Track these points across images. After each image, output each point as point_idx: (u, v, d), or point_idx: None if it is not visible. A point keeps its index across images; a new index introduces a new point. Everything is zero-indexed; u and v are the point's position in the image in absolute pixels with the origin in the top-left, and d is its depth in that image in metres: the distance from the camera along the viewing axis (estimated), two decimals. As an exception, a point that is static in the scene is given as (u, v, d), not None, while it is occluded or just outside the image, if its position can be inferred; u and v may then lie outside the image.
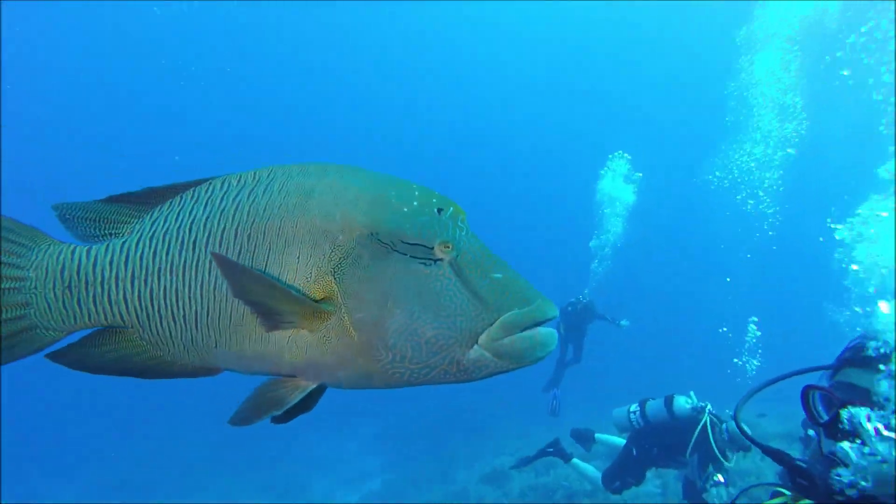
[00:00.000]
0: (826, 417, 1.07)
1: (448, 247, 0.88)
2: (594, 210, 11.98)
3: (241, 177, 0.97)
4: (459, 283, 0.87)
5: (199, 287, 0.92)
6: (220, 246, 0.92)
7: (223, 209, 0.93)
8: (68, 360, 0.97)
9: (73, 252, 0.96)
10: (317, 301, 0.88)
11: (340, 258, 0.88)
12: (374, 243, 0.88)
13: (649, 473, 4.83)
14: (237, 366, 0.99)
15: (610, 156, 11.94)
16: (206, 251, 0.92)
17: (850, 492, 1.01)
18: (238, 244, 0.92)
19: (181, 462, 13.14)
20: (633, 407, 4.53)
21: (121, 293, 0.95)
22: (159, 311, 0.95)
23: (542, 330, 0.89)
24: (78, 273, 0.94)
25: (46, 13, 22.15)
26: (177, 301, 0.94)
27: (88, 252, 0.97)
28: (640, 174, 11.91)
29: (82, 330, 0.99)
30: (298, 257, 0.90)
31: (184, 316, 0.94)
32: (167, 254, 0.94)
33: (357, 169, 0.97)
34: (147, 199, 0.99)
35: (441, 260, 0.88)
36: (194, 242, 0.93)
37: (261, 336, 0.91)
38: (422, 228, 0.89)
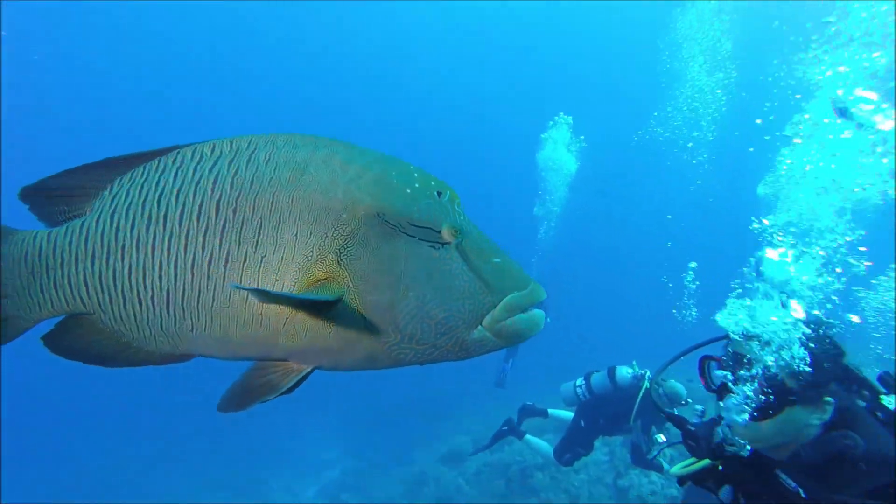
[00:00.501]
0: (716, 385, 1.18)
1: (455, 231, 0.89)
2: (537, 177, 11.87)
3: (214, 145, 0.90)
4: (466, 267, 0.88)
5: (171, 265, 0.86)
6: (199, 221, 0.85)
7: (198, 181, 0.86)
8: (48, 344, 0.92)
9: (34, 238, 0.91)
10: (319, 281, 0.85)
11: (346, 238, 0.85)
12: (381, 224, 0.86)
13: (597, 443, 5.07)
14: (218, 351, 0.92)
15: (550, 122, 11.75)
16: (180, 226, 0.85)
17: (730, 449, 1.14)
18: (221, 219, 0.85)
19: (132, 460, 12.62)
20: (579, 381, 4.75)
21: (80, 275, 0.88)
22: (123, 292, 0.88)
23: (536, 311, 0.93)
24: (39, 258, 0.89)
25: (46, 13, 22.21)
26: (144, 281, 0.87)
27: (49, 236, 0.91)
28: (583, 137, 11.83)
29: (52, 317, 0.94)
30: (296, 234, 0.85)
31: (152, 297, 0.88)
32: (132, 230, 0.87)
33: (347, 144, 0.93)
34: (107, 171, 0.91)
35: (448, 244, 0.88)
36: (165, 216, 0.86)
37: (251, 319, 0.86)
38: (428, 211, 0.88)
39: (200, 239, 0.86)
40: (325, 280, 0.85)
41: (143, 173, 0.90)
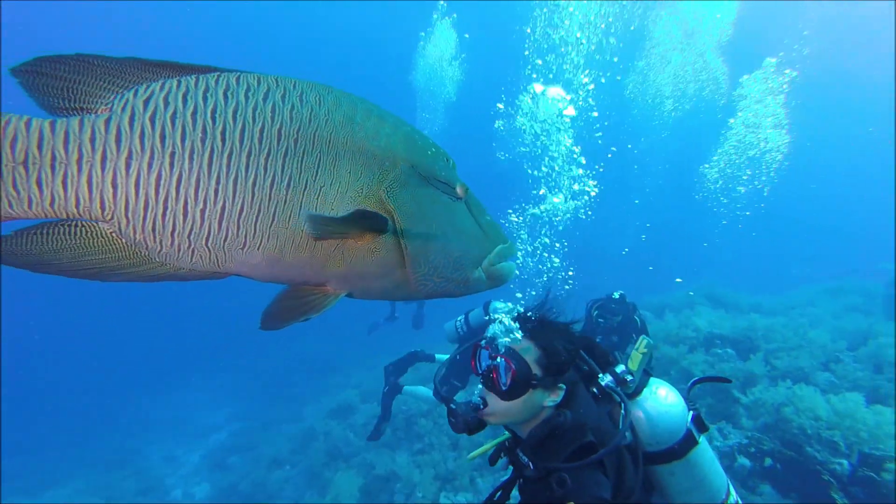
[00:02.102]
0: (482, 370, 1.25)
1: (465, 189, 1.07)
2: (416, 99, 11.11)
3: (259, 78, 0.90)
4: (472, 219, 1.07)
5: (230, 181, 0.85)
6: (261, 143, 0.87)
7: (254, 107, 0.86)
8: (3, 253, 0.78)
9: (27, 124, 0.79)
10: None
11: (391, 180, 0.96)
12: (415, 175, 0.99)
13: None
14: (263, 271, 0.92)
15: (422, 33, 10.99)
16: (241, 145, 0.85)
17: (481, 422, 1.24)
18: (282, 146, 0.88)
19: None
20: (460, 318, 4.95)
21: (109, 175, 0.81)
22: (166, 200, 0.83)
23: (511, 262, 1.15)
24: (40, 148, 0.78)
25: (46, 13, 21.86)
26: (196, 193, 0.84)
27: (53, 126, 0.79)
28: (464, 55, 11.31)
29: (23, 220, 0.80)
30: (350, 171, 0.93)
31: (202, 210, 0.85)
32: (182, 138, 0.82)
33: (365, 100, 1.00)
34: (126, 71, 0.82)
35: (460, 199, 1.07)
36: (223, 133, 0.85)
37: (306, 243, 0.90)
38: (446, 170, 1.05)
39: (262, 160, 0.87)
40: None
41: (181, 85, 0.85)
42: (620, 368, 1.33)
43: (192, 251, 0.87)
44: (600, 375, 1.32)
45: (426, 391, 5.60)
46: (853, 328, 6.24)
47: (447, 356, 5.74)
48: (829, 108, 31.58)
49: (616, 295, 4.75)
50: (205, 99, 0.85)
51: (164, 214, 0.84)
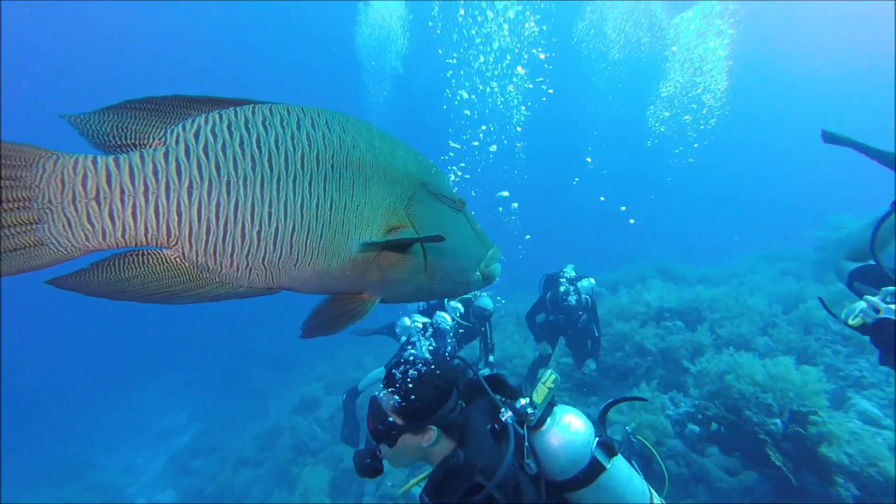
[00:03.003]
0: None
1: (463, 203, 1.22)
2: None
3: (289, 108, 0.96)
4: (470, 228, 1.21)
5: (281, 204, 0.92)
6: (304, 169, 0.94)
7: (292, 136, 0.94)
8: (80, 284, 0.84)
9: (93, 162, 0.84)
10: (393, 228, 1.05)
11: (409, 198, 1.08)
12: (427, 192, 1.12)
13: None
14: (312, 284, 1.00)
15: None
16: (286, 171, 0.92)
17: None
18: (322, 170, 0.96)
19: None
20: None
21: (174, 204, 0.86)
22: (225, 224, 0.89)
23: (499, 262, 1.29)
24: (108, 184, 0.84)
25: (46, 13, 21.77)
26: (251, 216, 0.91)
27: (117, 161, 0.85)
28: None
29: (96, 251, 0.86)
30: (378, 191, 1.03)
31: (258, 231, 0.92)
32: (234, 167, 0.89)
33: (373, 125, 1.09)
34: (170, 108, 0.88)
35: (461, 211, 1.21)
36: (269, 161, 0.91)
37: (351, 256, 0.99)
38: (447, 187, 1.19)
39: (306, 184, 0.94)
40: (398, 228, 1.05)
41: (223, 118, 0.90)
42: (521, 403, 1.36)
43: (250, 270, 0.95)
44: (501, 410, 1.34)
45: (378, 371, 5.63)
46: (787, 292, 6.69)
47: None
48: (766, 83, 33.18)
49: (569, 272, 4.94)
50: (248, 130, 0.92)
51: (224, 237, 0.91)
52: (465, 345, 4.88)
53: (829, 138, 2.32)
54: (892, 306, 1.70)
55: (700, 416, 3.99)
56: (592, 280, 4.97)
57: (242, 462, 7.83)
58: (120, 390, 14.81)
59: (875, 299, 1.74)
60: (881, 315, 1.71)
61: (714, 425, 3.95)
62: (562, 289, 4.82)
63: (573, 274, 4.97)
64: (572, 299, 4.77)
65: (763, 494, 3.76)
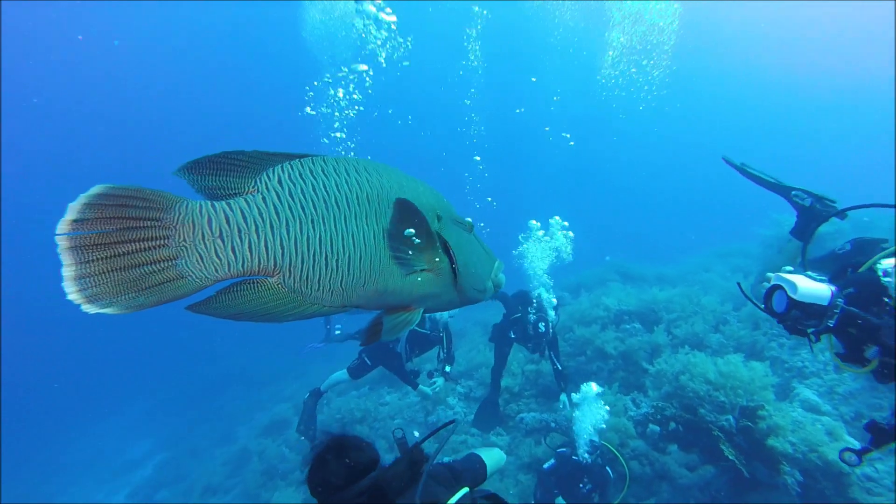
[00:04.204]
0: None
1: (471, 226, 1.41)
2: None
3: (337, 160, 1.15)
4: (480, 245, 1.43)
5: (350, 236, 1.10)
6: (360, 206, 1.13)
7: (345, 181, 1.12)
8: (210, 308, 1.01)
9: (213, 207, 0.99)
10: None
11: (438, 226, 1.28)
12: (446, 220, 1.31)
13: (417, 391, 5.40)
14: (374, 301, 1.20)
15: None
16: (349, 209, 1.10)
17: None
18: (372, 207, 1.14)
19: None
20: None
21: (276, 240, 1.03)
22: (314, 254, 1.07)
23: (503, 273, 1.52)
24: (228, 224, 0.98)
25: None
26: (331, 247, 1.08)
27: (231, 206, 1.00)
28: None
29: (224, 281, 1.01)
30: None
31: (336, 260, 1.09)
32: (314, 208, 1.06)
33: (395, 167, 1.28)
34: (254, 161, 1.04)
35: (471, 232, 1.41)
36: (336, 202, 1.09)
37: (400, 276, 1.19)
38: (457, 213, 1.39)
39: (364, 220, 1.13)
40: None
41: (293, 168, 1.08)
42: None
43: (332, 292, 1.13)
44: None
45: (339, 375, 5.60)
46: (737, 290, 7.04)
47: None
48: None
49: (546, 296, 4.98)
50: (314, 177, 1.10)
51: (313, 266, 1.08)
52: (420, 352, 4.90)
53: (729, 163, 2.58)
54: (780, 273, 1.88)
55: (659, 417, 4.17)
56: (553, 314, 4.94)
57: (209, 490, 7.61)
58: (80, 423, 14.13)
59: (771, 273, 1.92)
60: (771, 283, 1.89)
61: (672, 424, 4.13)
62: (531, 317, 4.84)
63: (548, 297, 4.97)
64: (542, 326, 4.80)
65: (720, 487, 3.95)
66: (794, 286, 1.81)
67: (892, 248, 1.83)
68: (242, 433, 9.20)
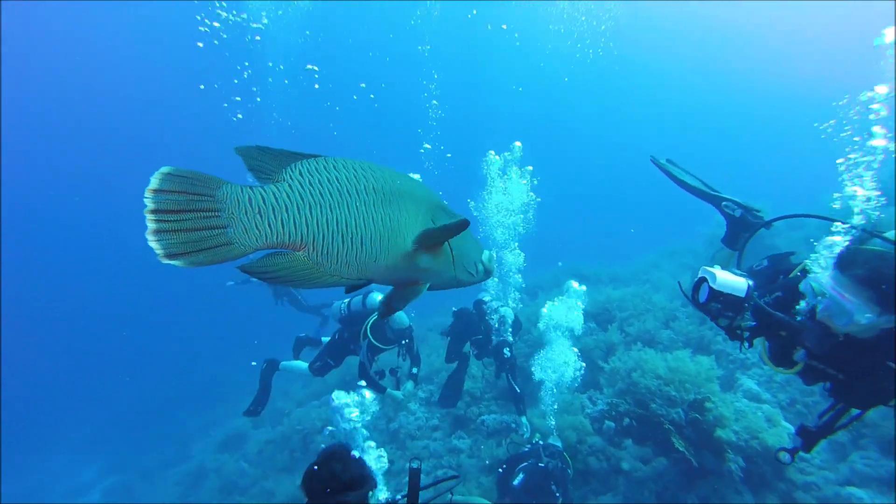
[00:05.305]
0: None
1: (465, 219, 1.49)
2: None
3: (345, 160, 1.33)
4: (470, 234, 1.58)
5: (362, 219, 1.29)
6: (368, 195, 1.31)
7: (355, 175, 1.31)
8: (254, 269, 1.21)
9: (252, 189, 1.19)
10: None
11: (432, 214, 1.46)
12: (441, 209, 1.49)
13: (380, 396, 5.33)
14: (385, 276, 1.38)
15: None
16: (358, 196, 1.29)
17: None
18: (379, 197, 1.33)
19: None
20: (346, 299, 4.99)
21: (303, 219, 1.23)
22: (333, 233, 1.25)
23: (494, 262, 1.70)
24: (264, 203, 1.18)
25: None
26: (347, 227, 1.27)
27: (266, 190, 1.20)
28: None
29: (263, 250, 1.21)
30: (411, 210, 1.41)
31: (352, 238, 1.28)
32: (330, 195, 1.26)
33: (387, 167, 1.42)
34: (280, 157, 1.24)
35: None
36: (347, 190, 1.28)
37: (406, 254, 1.37)
38: (448, 206, 1.55)
39: (372, 206, 1.31)
40: None
41: (311, 163, 1.27)
42: None
43: (348, 265, 1.31)
44: None
45: (301, 364, 5.54)
46: (685, 286, 7.39)
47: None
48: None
49: (506, 314, 5.00)
50: (328, 171, 1.29)
51: (331, 242, 1.27)
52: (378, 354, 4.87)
53: (655, 163, 2.70)
54: (705, 266, 2.03)
55: (614, 413, 4.32)
56: (511, 337, 4.97)
57: (163, 513, 7.28)
58: (17, 452, 13.15)
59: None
60: (699, 276, 2.03)
61: (627, 420, 4.29)
62: (494, 342, 4.81)
63: (507, 314, 4.95)
64: (507, 351, 4.75)
65: (672, 477, 4.14)
66: (713, 277, 1.95)
67: (803, 263, 2.00)
68: (197, 450, 8.84)
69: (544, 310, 5.00)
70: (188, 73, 29.27)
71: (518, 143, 5.57)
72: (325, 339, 5.71)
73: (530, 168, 5.63)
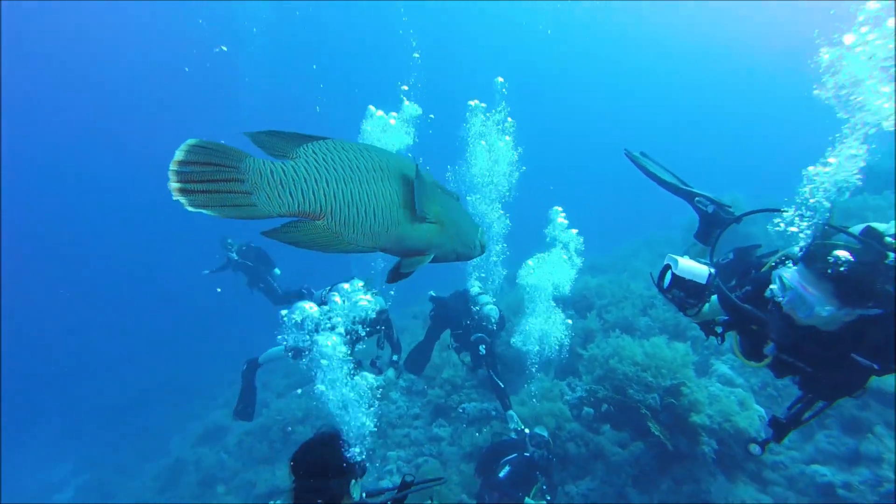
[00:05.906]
0: None
1: (458, 195, 1.65)
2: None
3: (346, 142, 1.43)
4: (465, 211, 1.69)
5: (370, 193, 1.40)
6: (371, 172, 1.42)
7: (360, 155, 1.43)
8: (277, 235, 1.33)
9: (272, 163, 1.29)
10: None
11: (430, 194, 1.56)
12: (439, 190, 1.58)
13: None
14: (395, 246, 1.48)
15: None
16: (366, 173, 1.41)
17: None
18: (385, 174, 1.44)
19: None
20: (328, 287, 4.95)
21: (321, 191, 1.33)
22: (347, 204, 1.37)
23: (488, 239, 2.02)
24: (285, 175, 1.29)
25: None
26: (359, 199, 1.38)
27: (285, 164, 1.31)
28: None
29: (286, 217, 1.31)
30: (406, 186, 1.47)
31: (364, 209, 1.39)
32: (343, 170, 1.38)
33: (387, 150, 1.57)
34: (292, 138, 1.34)
35: (457, 200, 1.66)
36: (356, 167, 1.40)
37: (412, 226, 1.48)
38: (444, 185, 1.63)
39: (379, 182, 1.42)
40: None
41: (322, 144, 1.37)
42: None
43: (363, 234, 1.41)
44: None
45: (277, 349, 5.49)
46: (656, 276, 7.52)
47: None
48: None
49: (491, 312, 4.95)
50: (336, 151, 1.39)
51: (347, 213, 1.37)
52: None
53: (629, 156, 2.73)
54: (670, 254, 2.09)
55: (592, 399, 4.39)
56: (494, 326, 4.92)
57: (140, 508, 7.17)
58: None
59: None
60: (665, 263, 2.08)
61: (605, 406, 4.36)
62: (481, 350, 4.75)
63: (492, 312, 4.87)
64: (482, 349, 4.71)
65: (648, 461, 4.23)
66: (676, 263, 1.98)
67: (780, 253, 2.04)
68: (175, 444, 8.71)
69: (529, 262, 4.98)
70: (189, 73, 29.75)
71: (500, 79, 5.36)
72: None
73: (510, 120, 5.43)
